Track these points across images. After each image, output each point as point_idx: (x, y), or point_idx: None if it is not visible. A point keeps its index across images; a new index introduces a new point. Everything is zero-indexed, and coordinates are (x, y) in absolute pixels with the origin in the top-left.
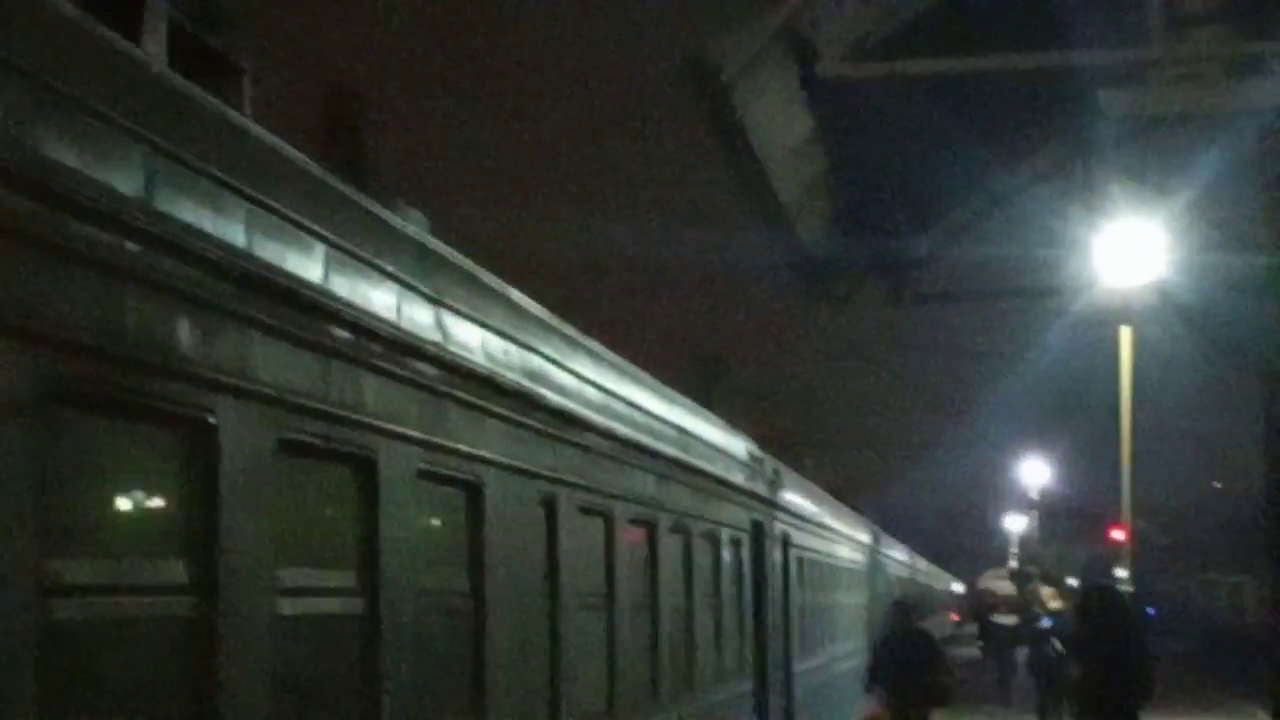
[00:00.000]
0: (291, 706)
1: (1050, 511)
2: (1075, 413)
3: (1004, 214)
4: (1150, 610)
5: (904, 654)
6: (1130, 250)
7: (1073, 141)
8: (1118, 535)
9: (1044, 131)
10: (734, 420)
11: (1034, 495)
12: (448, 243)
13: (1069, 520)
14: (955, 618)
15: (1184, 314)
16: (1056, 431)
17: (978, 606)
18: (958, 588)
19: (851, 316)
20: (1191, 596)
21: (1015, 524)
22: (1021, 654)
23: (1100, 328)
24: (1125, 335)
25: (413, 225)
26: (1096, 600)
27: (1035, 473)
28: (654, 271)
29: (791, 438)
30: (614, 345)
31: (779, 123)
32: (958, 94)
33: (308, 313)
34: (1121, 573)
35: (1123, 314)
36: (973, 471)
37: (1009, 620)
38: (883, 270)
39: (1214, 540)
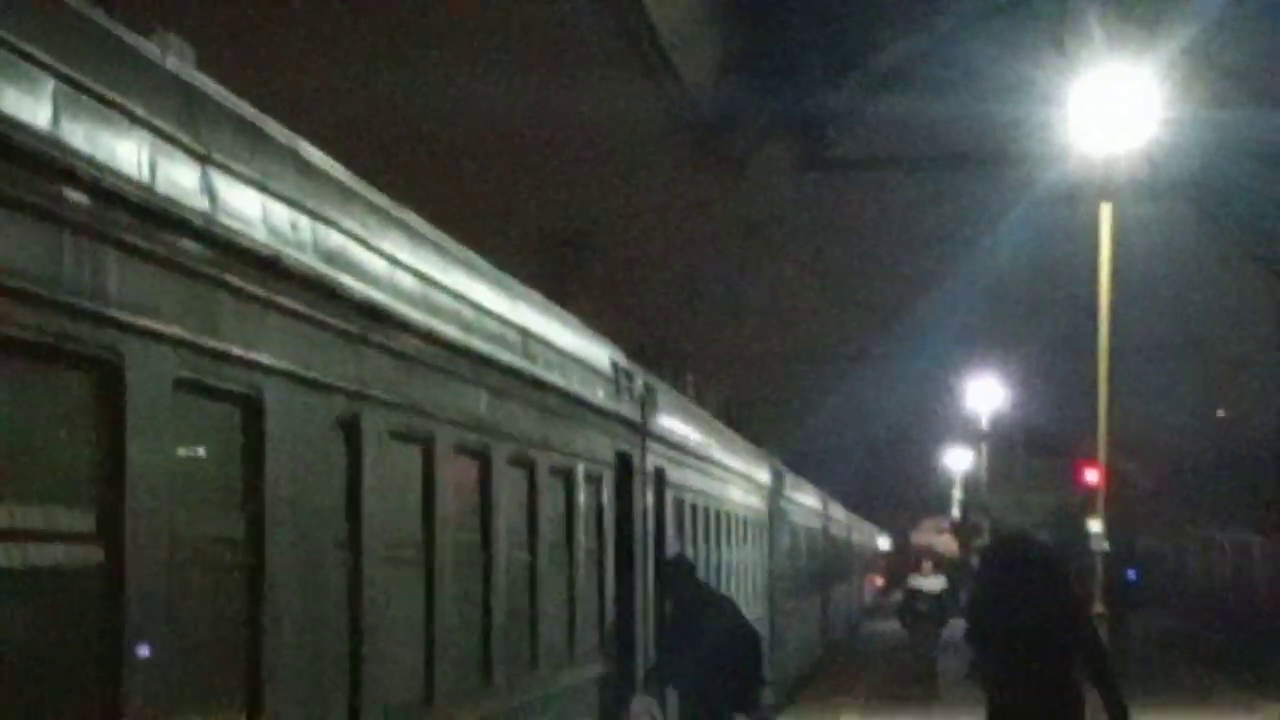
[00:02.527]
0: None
1: (1005, 446)
2: (1040, 318)
3: (948, 57)
4: (1131, 573)
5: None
6: (1114, 107)
7: None
8: (1091, 477)
9: None
10: (596, 322)
11: (984, 425)
12: (219, 82)
13: (1029, 457)
14: (879, 583)
15: (1180, 188)
16: (1015, 343)
17: (909, 569)
18: (885, 543)
19: (752, 188)
20: (1185, 558)
21: (960, 461)
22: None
23: (1074, 206)
24: (1106, 214)
25: (173, 58)
26: (995, 555)
27: (986, 395)
28: (500, 134)
29: (670, 347)
30: (443, 225)
31: None
32: None
33: (31, 168)
34: (1095, 525)
35: (1103, 188)
36: (908, 395)
37: (930, 585)
38: (790, 127)
39: (1215, 486)
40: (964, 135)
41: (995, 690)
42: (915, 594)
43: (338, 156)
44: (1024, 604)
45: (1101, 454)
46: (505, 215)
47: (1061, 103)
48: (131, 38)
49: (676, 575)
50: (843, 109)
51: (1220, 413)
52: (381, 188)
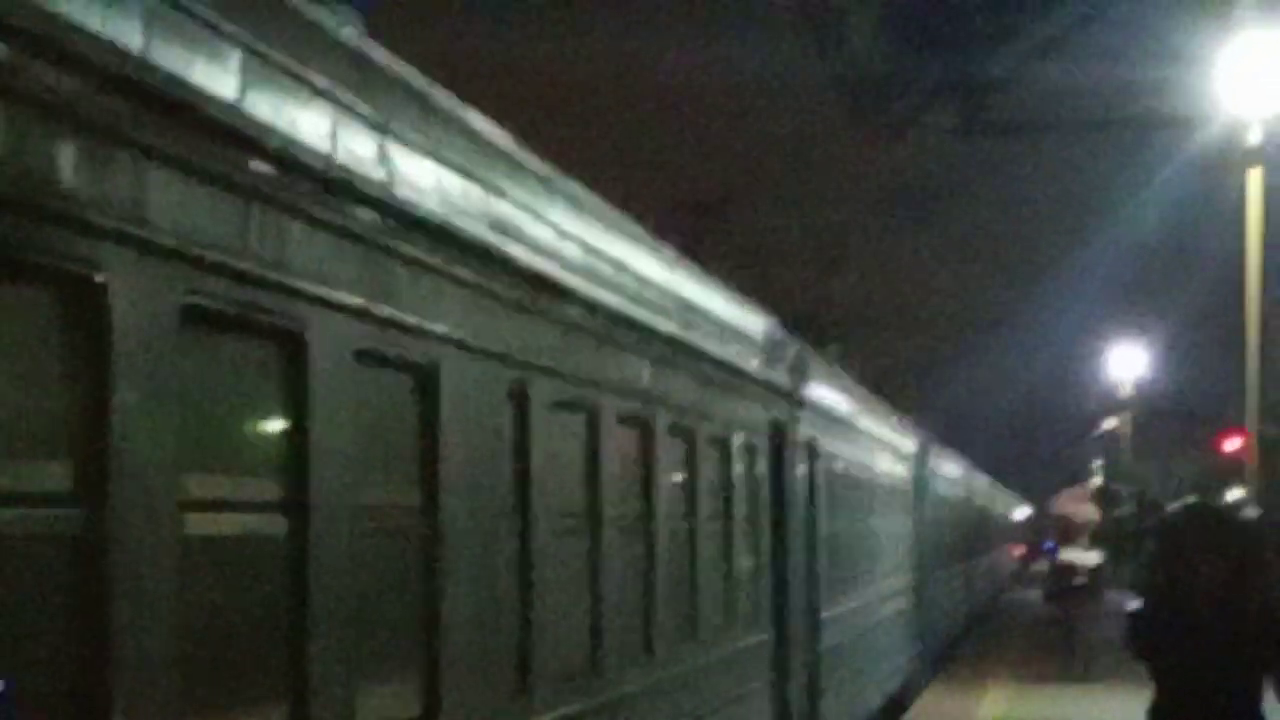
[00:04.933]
0: (194, 648)
1: (1148, 414)
2: (1185, 284)
3: (1104, 26)
4: None
5: None
6: (1264, 69)
7: None
8: (1231, 445)
9: None
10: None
11: (1126, 392)
12: (391, 50)
13: (1173, 425)
14: (1020, 553)
15: None
16: (1160, 309)
17: (1051, 538)
18: (1023, 512)
19: (902, 155)
20: None
21: (1104, 429)
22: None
23: (1222, 172)
24: (1254, 180)
25: (347, 28)
26: (1181, 527)
27: (1130, 362)
28: (651, 95)
29: (813, 314)
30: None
31: None
32: None
33: (219, 139)
34: (1237, 494)
35: (1252, 153)
36: (1049, 360)
37: (1086, 559)
38: (952, 93)
39: None
40: (1112, 100)
41: (1168, 684)
42: (1070, 568)
43: (503, 118)
44: (1221, 588)
45: (1250, 420)
46: (653, 177)
47: (1210, 66)
48: (308, 7)
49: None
50: (1004, 74)
51: None
52: (539, 151)
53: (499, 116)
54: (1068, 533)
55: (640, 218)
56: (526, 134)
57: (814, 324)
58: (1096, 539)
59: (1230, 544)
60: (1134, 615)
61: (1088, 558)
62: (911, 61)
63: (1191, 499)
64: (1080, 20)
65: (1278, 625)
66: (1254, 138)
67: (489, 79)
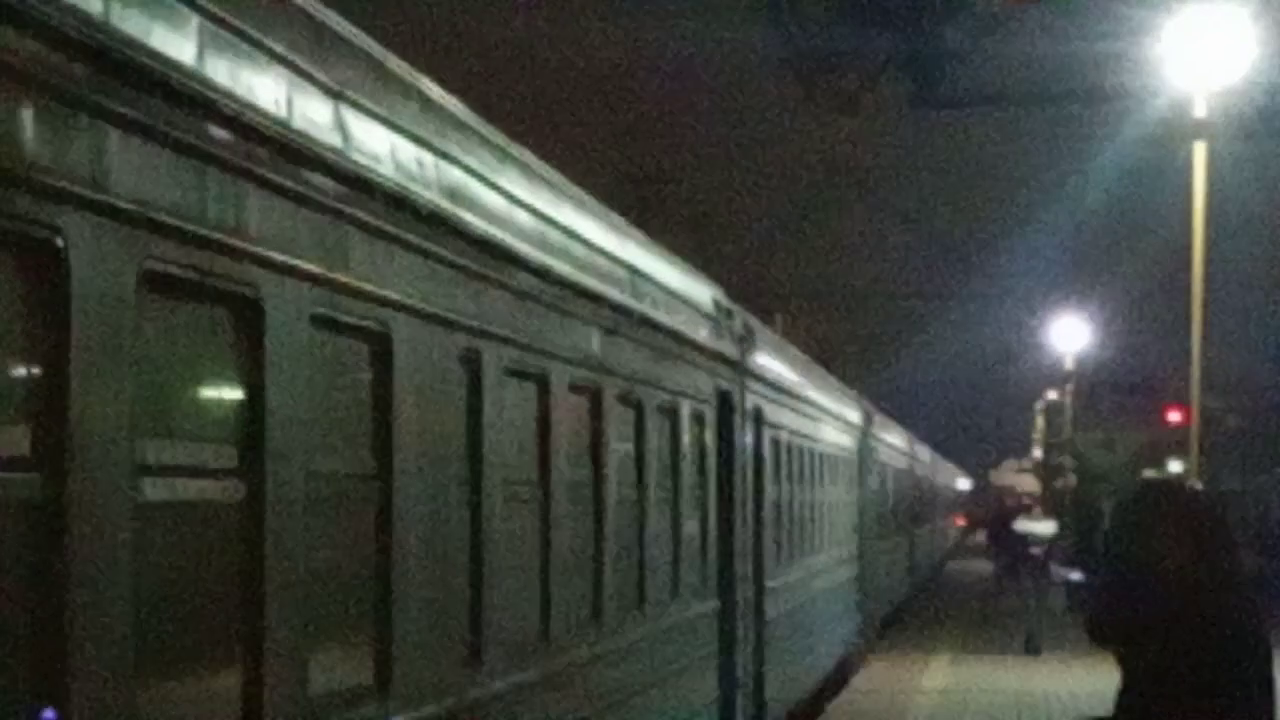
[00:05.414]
0: (150, 614)
1: (1090, 386)
2: (1130, 258)
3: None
4: None
5: None
6: (1210, 39)
7: None
8: (1174, 417)
9: None
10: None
11: (1069, 364)
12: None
13: (1117, 397)
14: (961, 523)
15: (1276, 124)
16: (1102, 284)
17: (992, 510)
18: (964, 484)
19: (848, 130)
20: (1271, 499)
21: (1045, 401)
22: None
23: (1165, 146)
24: (1200, 153)
25: None
26: (1144, 507)
27: (1071, 335)
28: (592, 65)
29: (758, 286)
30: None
31: None
32: None
33: (178, 104)
34: (1176, 466)
35: (1198, 126)
36: (992, 334)
37: (1043, 528)
38: (903, 67)
39: None
40: (1068, 74)
41: (1142, 675)
42: (1025, 538)
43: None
44: (1190, 570)
45: (1193, 393)
46: (592, 148)
47: (1155, 37)
48: None
49: None
50: (955, 48)
51: None
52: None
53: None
54: (1005, 504)
55: (586, 189)
56: (473, 107)
57: (759, 296)
58: (1051, 510)
59: (1197, 524)
60: (1095, 599)
61: (1043, 528)
62: (861, 36)
63: (1150, 474)
64: None
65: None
66: (1199, 111)
67: (432, 50)
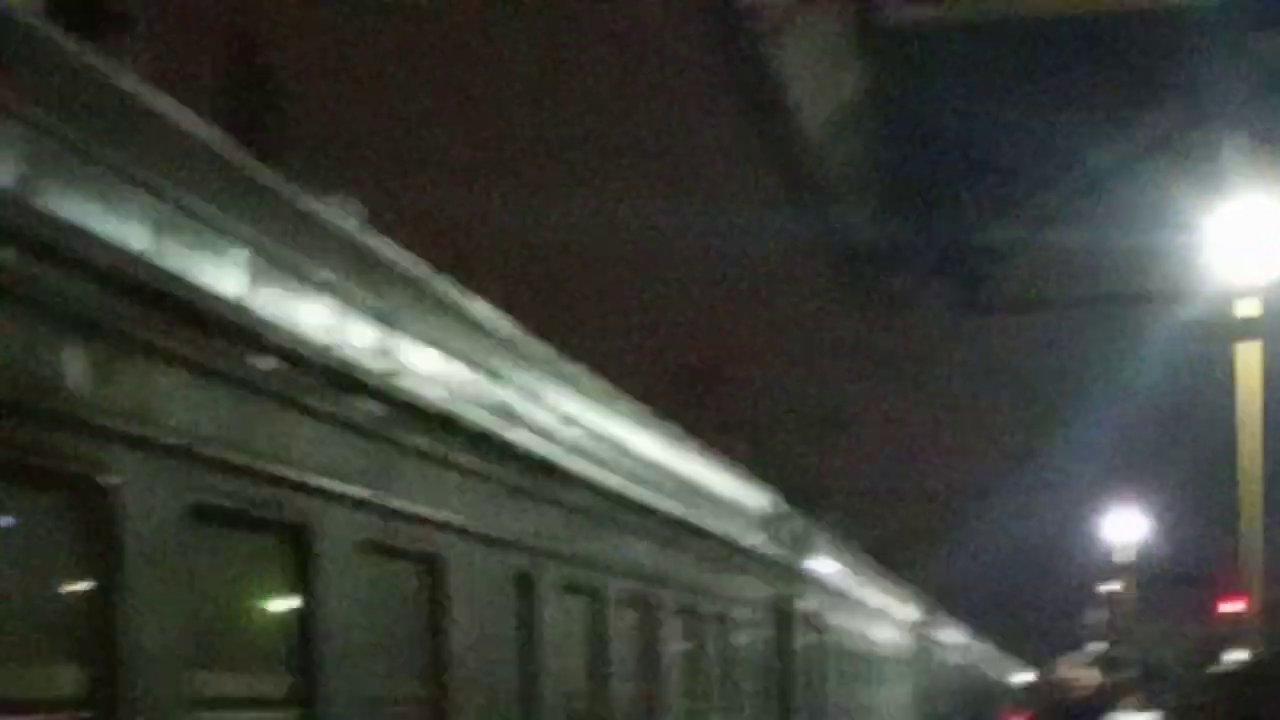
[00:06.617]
0: None
1: (1150, 579)
2: (1181, 451)
3: (1106, 196)
4: None
5: None
6: (1256, 238)
7: (1194, 100)
8: (1227, 608)
9: (1162, 86)
10: (729, 455)
11: (1125, 557)
12: (386, 233)
13: (1172, 588)
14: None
15: None
16: (1156, 477)
17: (1051, 705)
18: (1021, 679)
19: (893, 325)
20: None
21: (1103, 591)
22: None
23: (1209, 342)
24: (1251, 353)
25: (351, 220)
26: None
27: (1127, 528)
28: (644, 260)
29: (811, 482)
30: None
31: (823, 78)
32: (1050, 41)
33: (224, 336)
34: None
35: (1244, 325)
36: (1045, 529)
37: (1085, 676)
38: (953, 266)
39: None
40: (1110, 271)
41: None
42: (1068, 685)
43: (485, 287)
44: None
45: (1250, 583)
46: (643, 345)
47: (1199, 237)
48: (312, 202)
49: None
50: (1004, 247)
51: None
52: (521, 315)
53: (485, 290)
54: (1064, 700)
55: (631, 384)
56: (515, 307)
57: (812, 492)
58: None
59: None
60: None
61: (1089, 675)
62: (909, 237)
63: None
64: (1081, 190)
65: None
66: (1247, 310)
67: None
